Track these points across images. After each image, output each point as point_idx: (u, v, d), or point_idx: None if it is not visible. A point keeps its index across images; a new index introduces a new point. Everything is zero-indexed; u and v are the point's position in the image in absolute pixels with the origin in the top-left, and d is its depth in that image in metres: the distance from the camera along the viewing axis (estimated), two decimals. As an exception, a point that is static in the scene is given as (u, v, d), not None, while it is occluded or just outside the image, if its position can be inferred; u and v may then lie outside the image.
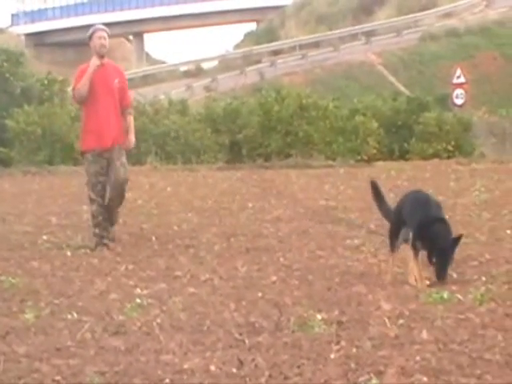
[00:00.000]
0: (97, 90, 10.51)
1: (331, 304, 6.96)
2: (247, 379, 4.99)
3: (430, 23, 69.58)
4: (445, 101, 34.96)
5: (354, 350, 5.53)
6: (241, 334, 6.03)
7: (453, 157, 27.91)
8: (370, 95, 34.34)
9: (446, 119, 29.48)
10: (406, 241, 8.04)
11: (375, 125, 29.26)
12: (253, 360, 5.35)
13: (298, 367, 5.19)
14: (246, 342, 5.84)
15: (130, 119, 11.15)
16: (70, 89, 21.51)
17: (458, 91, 34.24)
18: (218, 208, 15.07)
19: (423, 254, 7.85)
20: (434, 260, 7.61)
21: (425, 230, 7.59)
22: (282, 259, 9.50)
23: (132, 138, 11.02)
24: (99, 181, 10.53)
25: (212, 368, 5.21)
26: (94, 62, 10.56)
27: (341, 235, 11.28)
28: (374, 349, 5.55)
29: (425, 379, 4.86)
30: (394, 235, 8.02)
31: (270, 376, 5.03)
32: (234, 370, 5.17)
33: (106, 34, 10.80)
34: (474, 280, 7.84)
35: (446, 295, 7.08)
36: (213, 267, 9.09)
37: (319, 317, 6.41)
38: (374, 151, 28.98)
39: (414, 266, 7.76)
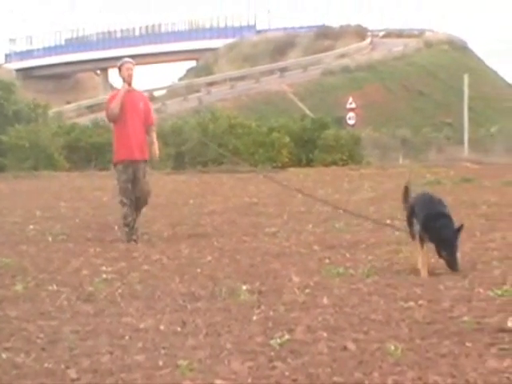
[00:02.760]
0: (126, 112, 10.02)
1: (254, 277, 6.96)
2: (189, 336, 4.98)
3: (329, 62, 69.96)
4: (340, 121, 35.21)
5: (272, 312, 5.55)
6: (184, 301, 6.01)
7: (346, 164, 28.13)
8: (283, 117, 34.41)
9: (341, 135, 29.71)
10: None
11: (287, 139, 29.37)
12: (193, 321, 5.35)
13: (228, 326, 5.19)
14: (188, 307, 5.83)
15: (154, 135, 10.62)
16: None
17: (351, 114, 34.67)
18: (166, 203, 14.97)
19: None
20: (441, 253, 6.93)
21: (429, 224, 7.02)
22: (216, 243, 9.48)
23: (156, 149, 10.65)
24: (128, 187, 10.03)
25: (162, 327, 5.20)
26: (124, 86, 10.11)
27: (261, 224, 11.28)
28: (286, 312, 5.57)
29: (325, 334, 4.90)
30: (410, 225, 7.52)
31: (206, 333, 5.02)
32: (179, 329, 5.16)
33: (132, 66, 10.31)
34: (363, 259, 7.89)
35: (341, 270, 7.13)
36: (162, 249, 9.04)
37: (244, 287, 6.41)
38: (287, 160, 29.05)
39: (419, 255, 7.10)
